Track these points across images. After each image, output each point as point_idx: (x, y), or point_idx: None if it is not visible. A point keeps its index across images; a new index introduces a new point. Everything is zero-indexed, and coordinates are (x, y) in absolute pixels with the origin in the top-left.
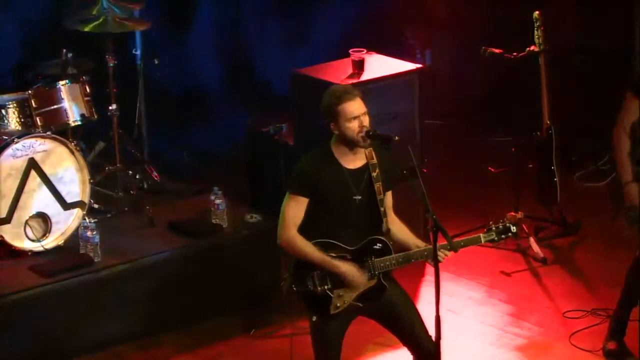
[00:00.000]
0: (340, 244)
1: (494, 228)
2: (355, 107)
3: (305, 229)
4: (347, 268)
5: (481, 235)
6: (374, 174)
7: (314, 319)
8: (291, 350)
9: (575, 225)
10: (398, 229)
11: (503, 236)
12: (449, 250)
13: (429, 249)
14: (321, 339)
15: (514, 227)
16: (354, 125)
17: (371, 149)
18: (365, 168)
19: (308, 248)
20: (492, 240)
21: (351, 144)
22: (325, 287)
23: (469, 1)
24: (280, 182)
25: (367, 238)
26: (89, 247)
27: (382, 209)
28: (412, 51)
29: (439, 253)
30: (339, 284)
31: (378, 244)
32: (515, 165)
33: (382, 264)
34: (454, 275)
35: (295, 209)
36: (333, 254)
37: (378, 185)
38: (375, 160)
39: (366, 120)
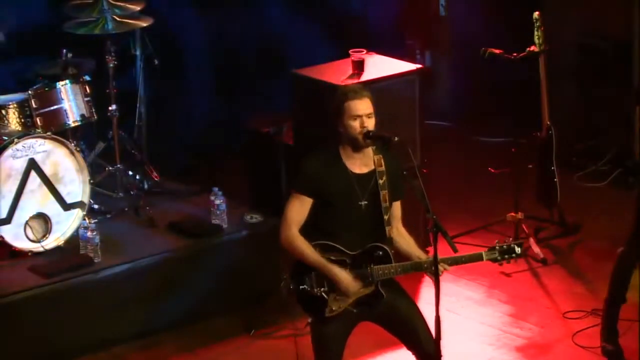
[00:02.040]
0: (341, 248)
1: (497, 247)
2: (360, 106)
3: (308, 229)
4: (341, 276)
5: (483, 253)
6: (381, 182)
7: (310, 320)
8: (297, 350)
9: (575, 225)
10: (403, 240)
11: (507, 256)
12: (449, 264)
13: (427, 261)
14: (318, 340)
15: (519, 249)
16: (355, 124)
17: (380, 156)
18: (373, 174)
19: (306, 249)
20: (495, 260)
21: (352, 144)
22: (322, 289)
23: (468, 1)
24: (280, 182)
25: (369, 244)
26: (89, 247)
27: (386, 217)
28: (411, 51)
29: (439, 266)
30: (335, 288)
31: (379, 252)
32: (515, 165)
33: (380, 272)
34: (454, 276)
35: (298, 208)
36: (332, 257)
37: (384, 193)
38: (383, 168)
39: (370, 123)
